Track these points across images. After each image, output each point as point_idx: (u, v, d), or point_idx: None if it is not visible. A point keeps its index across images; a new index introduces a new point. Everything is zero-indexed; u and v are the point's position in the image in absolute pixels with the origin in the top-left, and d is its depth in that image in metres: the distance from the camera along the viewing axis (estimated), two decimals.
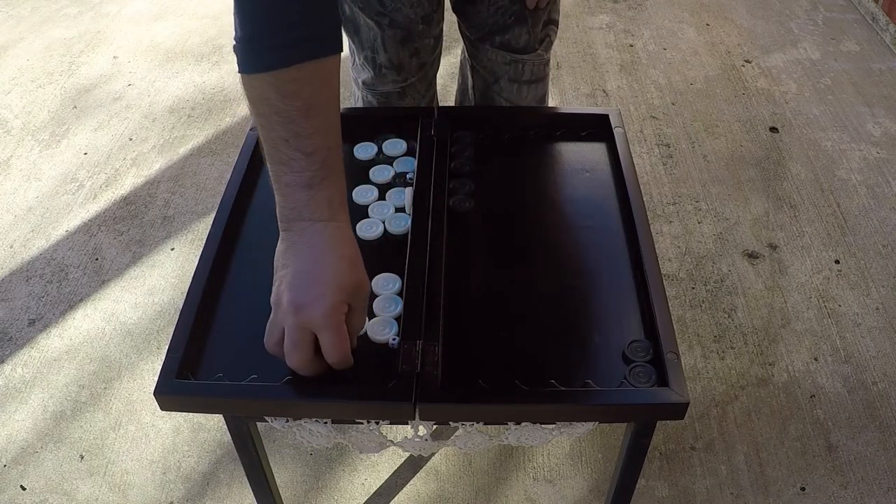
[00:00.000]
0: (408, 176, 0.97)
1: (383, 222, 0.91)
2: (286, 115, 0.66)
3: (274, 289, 0.70)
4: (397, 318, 0.79)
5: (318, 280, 0.68)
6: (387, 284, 0.83)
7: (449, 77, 2.04)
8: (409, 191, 0.94)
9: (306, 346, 0.68)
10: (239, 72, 0.65)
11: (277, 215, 0.71)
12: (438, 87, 1.29)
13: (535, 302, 0.82)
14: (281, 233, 0.71)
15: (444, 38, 1.21)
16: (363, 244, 0.80)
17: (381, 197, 0.95)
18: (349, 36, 1.14)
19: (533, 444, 0.79)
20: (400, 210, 0.93)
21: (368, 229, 0.90)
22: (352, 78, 1.21)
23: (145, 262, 1.63)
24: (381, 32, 1.09)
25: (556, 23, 1.17)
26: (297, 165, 0.68)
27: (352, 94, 1.24)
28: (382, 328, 0.78)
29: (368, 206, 0.93)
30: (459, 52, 1.31)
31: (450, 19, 1.18)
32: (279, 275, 0.70)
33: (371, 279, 0.84)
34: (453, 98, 1.43)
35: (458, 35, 1.23)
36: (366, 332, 0.79)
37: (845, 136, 1.92)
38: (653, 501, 1.21)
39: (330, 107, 0.69)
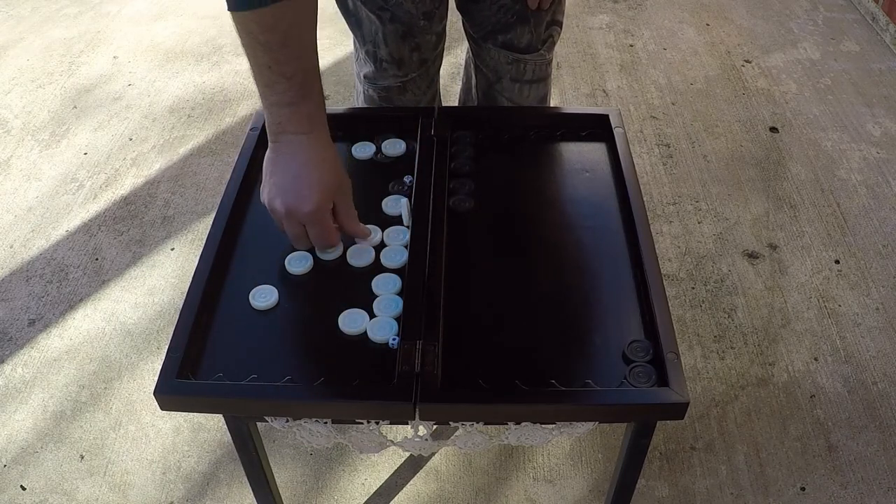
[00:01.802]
0: (406, 181, 0.97)
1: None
2: (267, 46, 0.77)
3: (265, 191, 0.84)
4: (397, 318, 0.79)
5: (304, 185, 0.81)
6: (387, 284, 0.83)
7: (450, 77, 2.05)
8: (404, 204, 0.93)
9: (305, 238, 0.85)
10: (228, 10, 0.75)
11: (267, 130, 0.83)
12: (441, 87, 1.29)
13: (536, 302, 0.82)
14: (269, 144, 0.83)
15: (448, 37, 1.22)
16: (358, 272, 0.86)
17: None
18: (352, 30, 1.14)
19: (533, 444, 0.79)
20: (396, 220, 0.92)
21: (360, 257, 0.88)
22: (354, 73, 1.22)
23: (145, 262, 1.63)
24: (382, 27, 1.09)
25: (559, 23, 1.17)
26: (279, 87, 0.79)
27: (354, 91, 1.25)
28: (382, 328, 0.78)
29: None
30: (462, 50, 1.31)
31: (454, 18, 1.19)
32: (268, 180, 0.83)
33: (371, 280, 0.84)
34: (456, 96, 1.44)
35: (462, 34, 1.23)
36: (366, 332, 0.79)
37: (845, 136, 1.92)
38: (653, 501, 1.21)
39: (305, 37, 0.80)
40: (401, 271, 0.85)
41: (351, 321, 0.79)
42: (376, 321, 0.79)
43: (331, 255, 0.88)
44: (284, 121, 0.81)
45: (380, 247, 0.88)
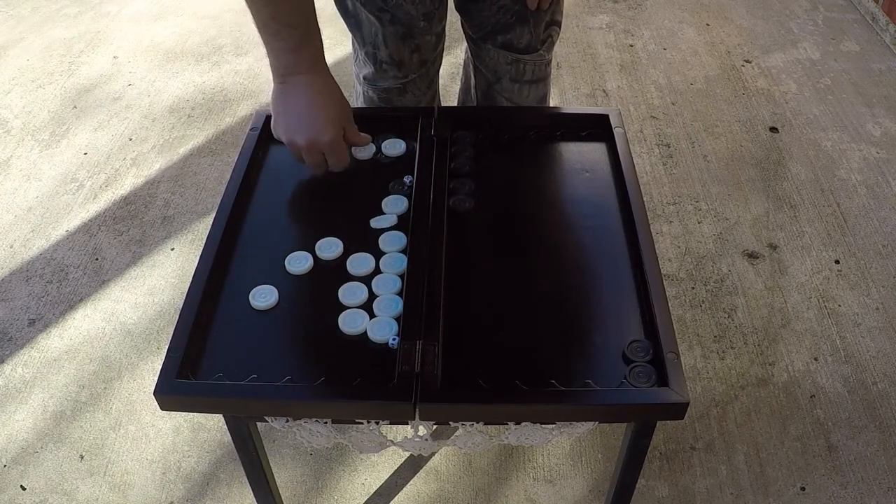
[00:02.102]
0: (406, 181, 0.97)
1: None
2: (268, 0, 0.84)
3: (280, 128, 0.93)
4: (397, 318, 0.79)
5: (319, 117, 0.91)
6: (387, 284, 0.83)
7: (450, 77, 2.05)
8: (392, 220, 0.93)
9: (323, 164, 0.95)
10: None
11: (272, 72, 0.91)
12: (441, 87, 1.29)
13: (536, 302, 0.82)
14: (276, 84, 0.92)
15: (447, 37, 1.21)
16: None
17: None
18: (351, 31, 1.14)
19: (533, 444, 0.79)
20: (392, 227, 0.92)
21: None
22: (354, 75, 1.22)
23: (145, 262, 1.63)
24: (381, 28, 1.09)
25: (558, 24, 1.17)
26: (284, 34, 0.87)
27: (353, 92, 1.24)
28: (382, 328, 0.78)
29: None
30: (461, 51, 1.31)
31: (453, 18, 1.19)
32: (282, 118, 0.93)
33: (371, 280, 0.84)
34: (455, 97, 1.43)
35: (461, 34, 1.23)
36: (366, 332, 0.79)
37: (845, 136, 1.92)
38: (653, 501, 1.21)
39: None
40: (401, 272, 0.85)
41: (351, 321, 0.79)
42: (376, 321, 0.79)
43: (365, 153, 1.01)
44: (290, 64, 0.89)
45: (379, 253, 0.88)
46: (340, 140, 0.94)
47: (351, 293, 0.83)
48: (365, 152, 1.01)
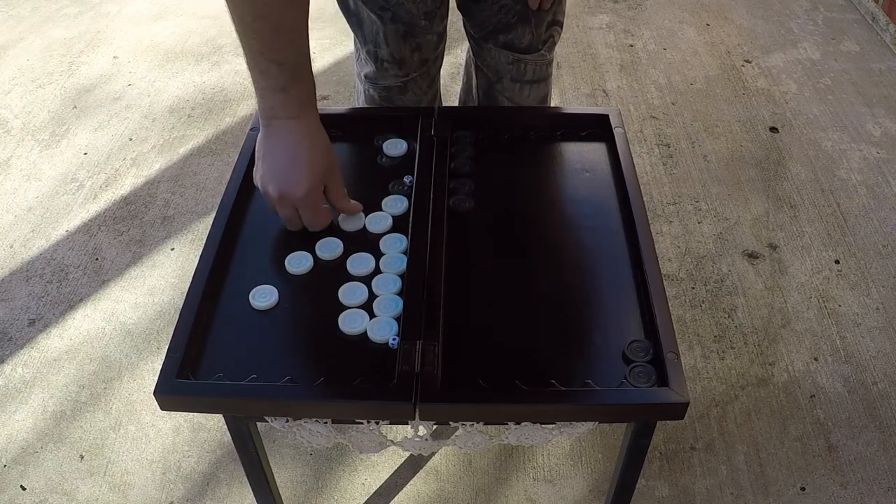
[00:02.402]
0: (406, 181, 0.97)
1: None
2: (259, 33, 0.79)
3: (258, 175, 0.87)
4: (397, 318, 0.79)
5: (296, 170, 0.84)
6: (387, 284, 0.83)
7: (450, 77, 2.05)
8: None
9: (297, 220, 0.88)
10: None
11: (259, 113, 0.86)
12: (441, 87, 1.29)
13: (536, 302, 0.82)
14: (261, 127, 0.86)
15: (448, 37, 1.21)
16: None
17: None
18: (353, 30, 1.14)
19: (533, 444, 0.79)
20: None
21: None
22: (355, 73, 1.22)
23: (145, 262, 1.63)
24: (383, 27, 1.09)
25: (560, 24, 1.17)
26: (271, 73, 0.81)
27: (354, 91, 1.24)
28: (382, 328, 0.78)
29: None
30: (462, 50, 1.31)
31: (454, 18, 1.19)
32: (260, 164, 0.86)
33: (371, 280, 0.84)
34: (456, 96, 1.43)
35: (462, 34, 1.23)
36: (366, 332, 0.79)
37: (845, 136, 1.92)
38: (653, 501, 1.21)
39: (298, 23, 0.81)
40: (401, 272, 0.85)
41: (351, 321, 0.79)
42: (376, 321, 0.79)
43: (352, 225, 0.91)
44: (276, 105, 0.83)
45: (378, 254, 0.88)
46: (316, 196, 0.86)
47: (351, 293, 0.83)
48: (352, 223, 0.91)
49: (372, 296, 0.82)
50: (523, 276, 0.86)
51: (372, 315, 0.80)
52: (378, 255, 0.87)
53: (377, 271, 0.86)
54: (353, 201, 0.91)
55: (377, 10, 1.07)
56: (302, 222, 0.88)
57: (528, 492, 1.23)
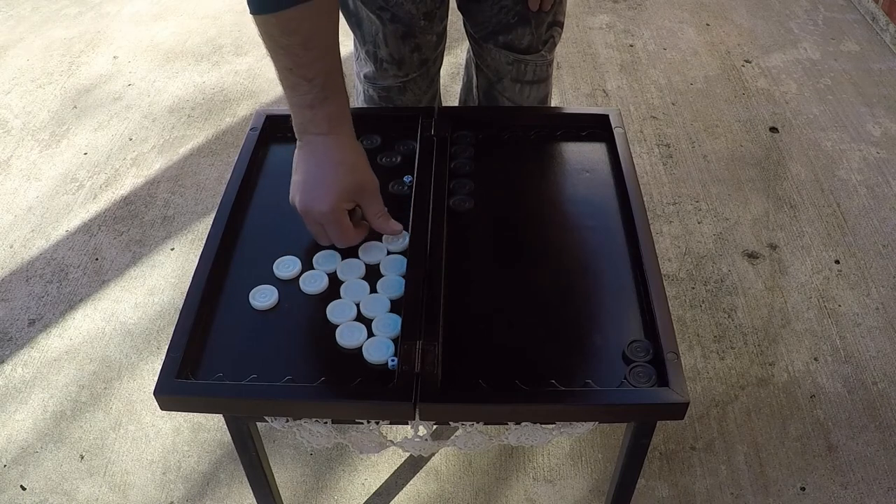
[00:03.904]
0: (406, 181, 0.97)
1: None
2: (288, 49, 0.78)
3: (292, 186, 0.85)
4: (394, 339, 0.78)
5: (320, 185, 0.83)
6: (384, 304, 0.82)
7: (450, 77, 2.05)
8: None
9: (325, 235, 0.87)
10: (250, 13, 0.77)
11: (294, 129, 0.85)
12: (441, 87, 1.29)
13: (536, 302, 0.82)
14: (297, 142, 0.85)
15: (449, 37, 1.21)
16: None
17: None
18: (352, 30, 1.14)
19: (533, 444, 0.79)
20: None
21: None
22: (354, 73, 1.22)
23: (145, 262, 1.63)
24: (382, 27, 1.09)
25: (560, 24, 1.17)
26: (301, 89, 0.81)
27: (354, 91, 1.24)
28: (378, 349, 0.77)
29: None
30: (462, 50, 1.31)
31: (454, 18, 1.18)
32: (293, 179, 0.85)
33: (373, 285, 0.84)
34: (456, 96, 1.43)
35: (462, 34, 1.23)
36: (362, 355, 0.77)
37: (845, 136, 1.92)
38: (653, 501, 1.21)
39: (328, 39, 0.80)
40: (398, 300, 0.83)
41: (349, 335, 0.78)
42: (373, 341, 0.78)
43: (397, 245, 0.88)
44: (307, 121, 0.83)
45: (377, 278, 0.85)
46: (341, 213, 0.84)
47: (339, 311, 0.81)
48: (397, 243, 0.88)
49: (370, 310, 0.81)
50: (523, 276, 0.86)
51: (370, 334, 0.78)
52: (377, 276, 0.86)
53: (373, 290, 0.84)
54: (393, 221, 0.88)
55: (376, 10, 1.07)
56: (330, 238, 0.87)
57: (528, 492, 1.23)
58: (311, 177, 0.84)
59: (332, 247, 0.88)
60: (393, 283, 0.84)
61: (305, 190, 0.83)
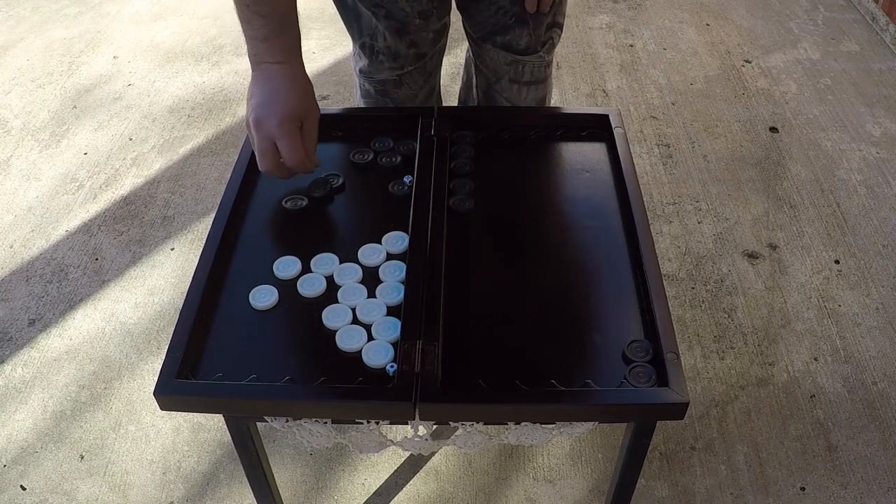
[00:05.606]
0: (406, 181, 0.97)
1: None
2: None
3: (246, 111, 0.91)
4: (394, 343, 0.78)
5: (272, 102, 0.89)
6: (380, 311, 0.81)
7: (450, 77, 2.05)
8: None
9: (271, 153, 0.90)
10: None
11: (249, 59, 0.91)
12: (441, 87, 1.29)
13: (536, 302, 0.82)
14: (251, 72, 0.92)
15: (449, 37, 1.21)
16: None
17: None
18: (348, 24, 1.15)
19: (533, 444, 0.79)
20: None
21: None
22: (352, 69, 1.22)
23: (145, 262, 1.63)
24: (378, 22, 1.09)
25: (560, 26, 1.17)
26: (256, 24, 0.88)
27: (354, 87, 1.25)
28: (378, 353, 0.77)
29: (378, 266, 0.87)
30: (462, 50, 1.31)
31: (455, 17, 1.19)
32: (247, 104, 0.91)
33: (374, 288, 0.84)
34: (456, 96, 1.44)
35: (462, 34, 1.23)
36: (361, 358, 0.77)
37: (845, 136, 1.92)
38: (653, 501, 1.21)
39: None
40: (397, 308, 0.82)
41: (348, 339, 0.78)
42: (372, 345, 0.77)
43: (397, 246, 0.88)
44: (261, 52, 0.90)
45: (376, 283, 0.85)
46: (291, 127, 0.89)
47: (335, 315, 0.80)
48: (396, 245, 0.88)
49: (369, 316, 0.80)
50: (523, 275, 0.86)
51: (370, 338, 0.78)
52: (376, 281, 0.85)
53: (371, 295, 0.84)
54: (314, 157, 0.94)
55: (371, 7, 1.08)
56: (279, 163, 0.90)
57: (528, 492, 1.23)
58: (265, 98, 0.89)
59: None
60: (391, 288, 0.83)
61: (259, 106, 0.89)
